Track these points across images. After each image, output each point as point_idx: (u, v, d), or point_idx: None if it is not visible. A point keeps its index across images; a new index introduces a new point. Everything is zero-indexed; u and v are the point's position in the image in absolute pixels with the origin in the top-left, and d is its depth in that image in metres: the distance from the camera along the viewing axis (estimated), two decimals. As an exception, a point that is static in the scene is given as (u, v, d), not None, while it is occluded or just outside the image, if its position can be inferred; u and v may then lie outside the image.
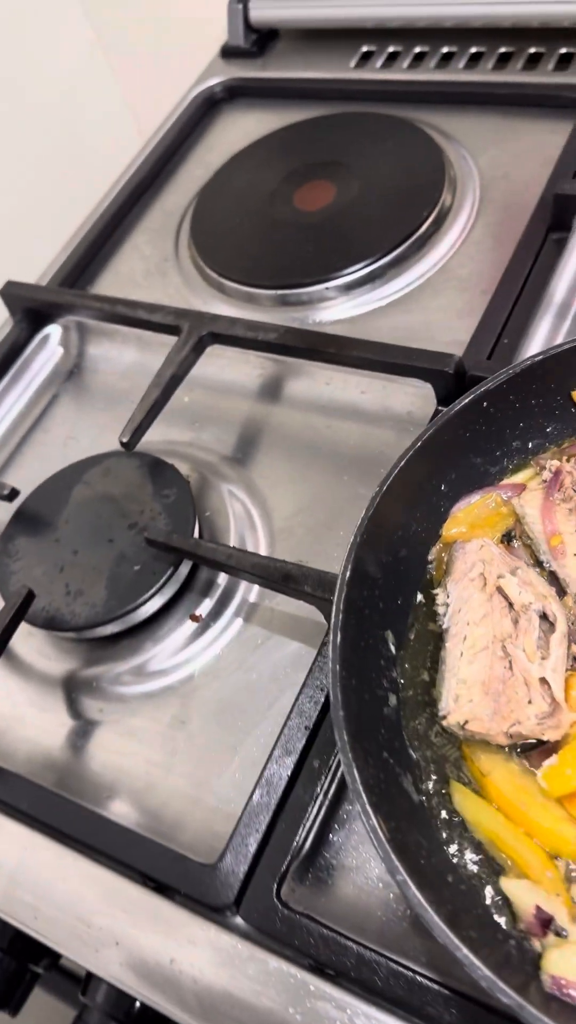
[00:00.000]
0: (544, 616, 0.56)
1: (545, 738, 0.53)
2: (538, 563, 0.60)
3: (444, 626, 0.58)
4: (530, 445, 0.64)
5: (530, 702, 0.53)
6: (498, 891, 0.50)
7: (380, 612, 0.57)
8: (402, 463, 0.57)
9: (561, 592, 0.58)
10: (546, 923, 0.47)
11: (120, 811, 0.66)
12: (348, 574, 0.53)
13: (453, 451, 0.61)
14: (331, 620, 0.52)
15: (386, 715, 0.55)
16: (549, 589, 0.57)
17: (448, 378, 0.73)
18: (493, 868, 0.51)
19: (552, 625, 0.55)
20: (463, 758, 0.54)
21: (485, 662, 0.55)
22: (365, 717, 0.52)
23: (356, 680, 0.52)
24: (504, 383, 0.60)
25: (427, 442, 0.58)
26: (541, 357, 0.60)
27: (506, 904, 0.49)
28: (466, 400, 0.59)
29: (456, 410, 0.59)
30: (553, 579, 0.59)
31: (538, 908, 0.47)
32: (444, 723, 0.54)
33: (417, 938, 0.54)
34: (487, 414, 0.61)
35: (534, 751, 0.53)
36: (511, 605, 0.57)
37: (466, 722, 0.53)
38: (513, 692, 0.53)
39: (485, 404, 0.60)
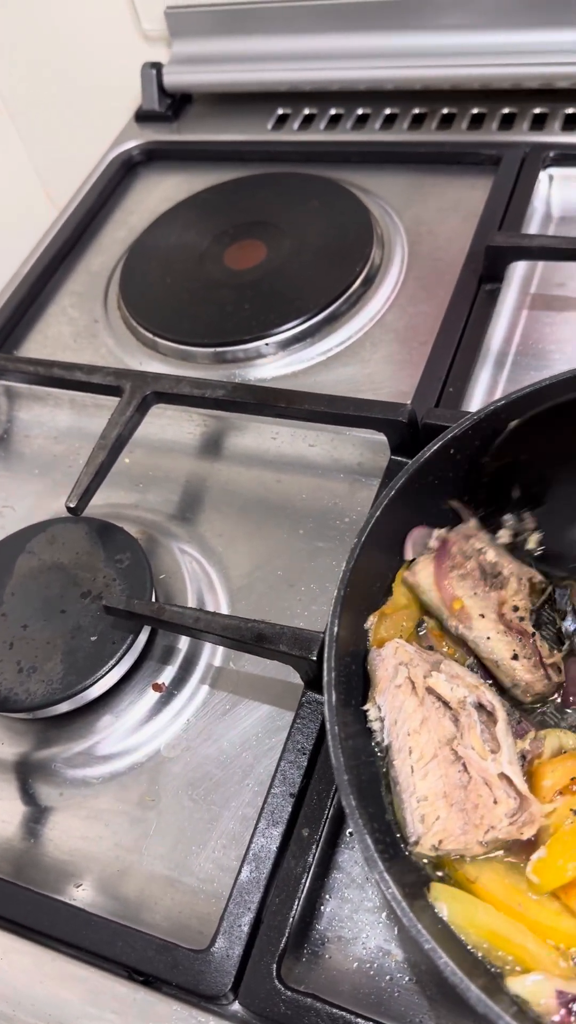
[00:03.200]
0: (481, 706, 0.54)
1: (523, 837, 0.51)
2: (448, 633, 0.60)
3: (384, 743, 0.55)
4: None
5: (496, 802, 0.50)
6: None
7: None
8: (379, 512, 0.56)
9: (480, 667, 0.58)
10: (572, 1001, 0.45)
11: (94, 901, 0.61)
12: (336, 629, 0.52)
13: (424, 498, 0.60)
14: (323, 678, 0.50)
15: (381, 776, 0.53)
16: (477, 678, 0.57)
17: (401, 427, 0.73)
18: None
19: (491, 715, 0.54)
20: (448, 873, 0.51)
21: (439, 772, 0.52)
22: (365, 780, 0.50)
23: (352, 741, 0.50)
24: (469, 429, 0.60)
25: (401, 490, 0.57)
26: (503, 402, 0.60)
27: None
28: (435, 447, 0.59)
29: (426, 457, 0.59)
30: (461, 644, 0.59)
31: (559, 993, 0.45)
32: (416, 849, 0.50)
33: (435, 1007, 0.52)
34: (454, 460, 0.61)
35: (513, 845, 0.51)
36: (446, 704, 0.54)
37: (440, 842, 0.50)
38: (477, 796, 0.51)
39: (452, 451, 0.60)
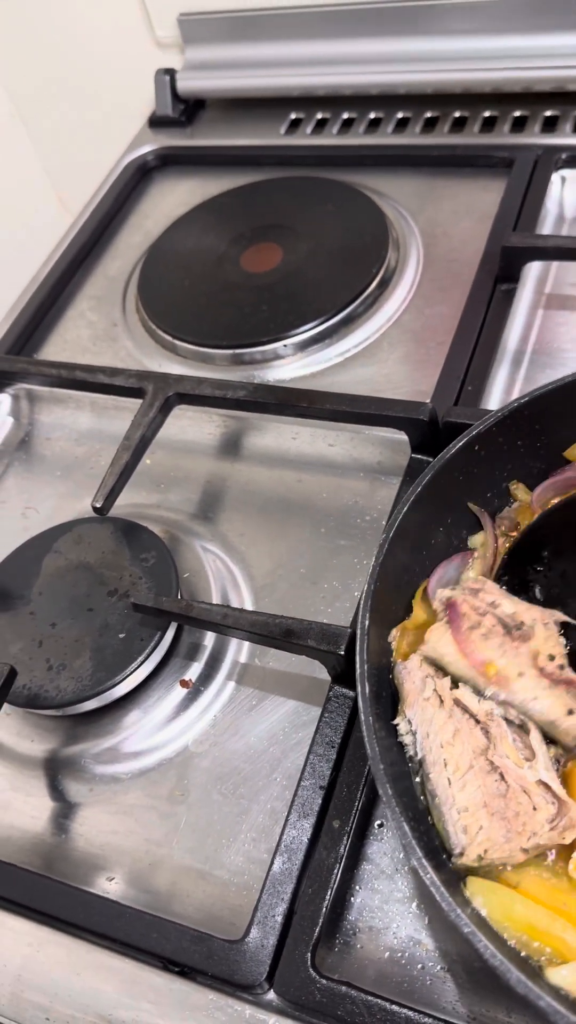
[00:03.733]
0: (509, 720, 0.54)
1: (566, 841, 0.50)
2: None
3: (417, 756, 0.54)
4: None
5: (536, 809, 0.50)
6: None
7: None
8: (406, 507, 0.57)
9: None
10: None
11: (126, 894, 0.62)
12: (367, 623, 0.53)
13: (450, 494, 0.61)
14: (356, 669, 0.51)
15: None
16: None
17: (423, 425, 0.74)
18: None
19: (519, 726, 0.53)
20: (486, 874, 0.51)
21: (477, 782, 0.51)
22: (398, 773, 0.51)
23: (385, 733, 0.51)
24: (493, 426, 0.61)
25: (428, 485, 0.58)
26: (526, 399, 0.61)
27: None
28: (460, 443, 0.60)
29: (451, 454, 0.60)
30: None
31: None
32: (461, 861, 0.50)
33: (466, 995, 0.53)
34: (478, 457, 0.62)
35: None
36: (473, 716, 0.54)
37: (485, 852, 0.49)
38: (517, 804, 0.50)
39: (476, 447, 0.61)
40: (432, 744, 0.53)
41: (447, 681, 0.55)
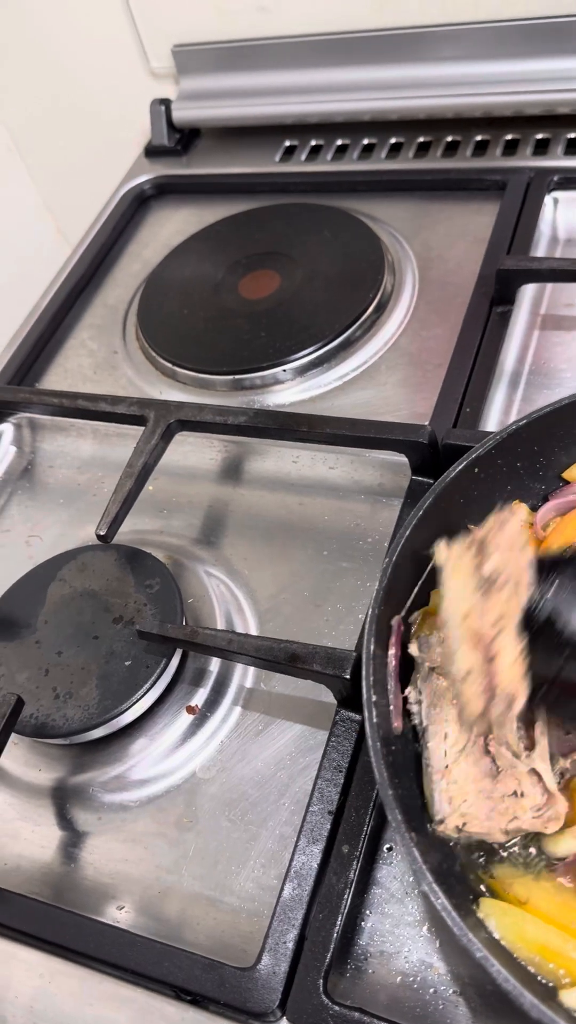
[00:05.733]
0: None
1: (547, 831, 0.52)
2: None
3: (422, 724, 0.56)
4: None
5: (523, 795, 0.51)
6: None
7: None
8: (408, 530, 0.58)
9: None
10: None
11: (136, 923, 0.62)
12: (372, 647, 0.53)
13: (450, 516, 0.62)
14: (363, 696, 0.52)
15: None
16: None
17: (422, 448, 0.74)
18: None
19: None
20: (495, 892, 0.52)
21: (471, 758, 0.53)
22: (407, 797, 0.51)
23: (394, 758, 0.51)
24: (493, 448, 0.62)
25: (429, 508, 0.59)
26: (525, 421, 0.62)
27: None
28: (460, 466, 0.61)
29: (451, 477, 0.60)
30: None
31: None
32: (440, 828, 0.51)
33: (479, 1019, 0.53)
34: (478, 479, 0.62)
35: (559, 864, 0.52)
36: None
37: (464, 824, 0.51)
38: (505, 787, 0.52)
39: (476, 470, 0.62)
40: (437, 716, 0.55)
41: None
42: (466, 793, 0.52)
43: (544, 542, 0.63)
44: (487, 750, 0.53)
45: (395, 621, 0.58)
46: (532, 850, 0.54)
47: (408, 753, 0.56)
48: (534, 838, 0.53)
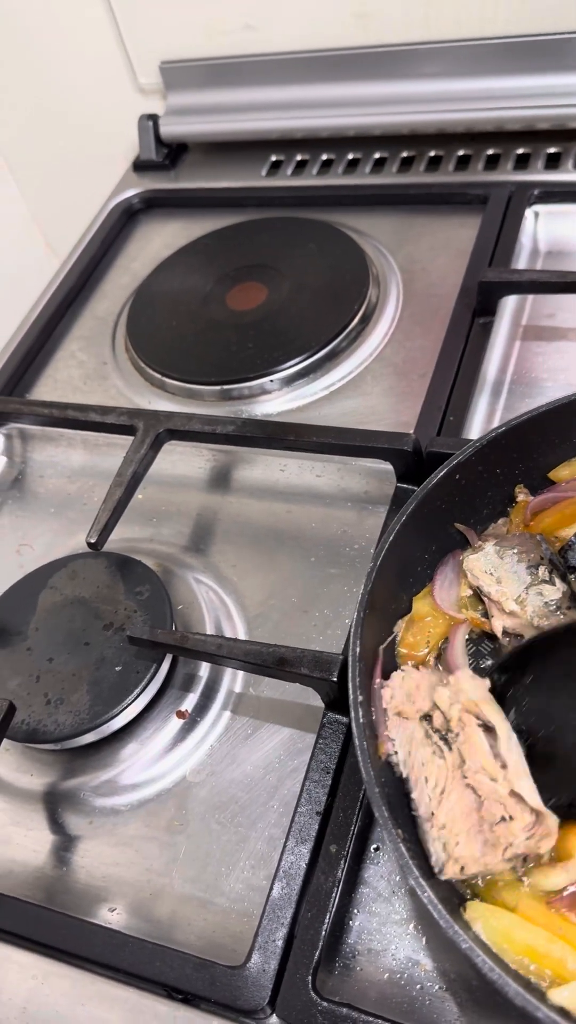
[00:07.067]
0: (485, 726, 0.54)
1: (542, 851, 0.51)
2: None
3: (404, 776, 0.55)
4: (495, 511, 0.68)
5: (512, 818, 0.51)
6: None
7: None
8: (392, 536, 0.59)
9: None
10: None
11: (128, 924, 0.63)
12: (358, 649, 0.54)
13: (432, 522, 0.63)
14: (349, 696, 0.53)
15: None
16: (483, 693, 0.55)
17: (407, 456, 0.76)
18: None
19: (492, 730, 0.54)
20: (483, 899, 0.52)
21: (454, 798, 0.52)
22: (393, 795, 0.52)
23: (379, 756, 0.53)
24: (473, 455, 0.63)
25: (411, 515, 0.60)
26: (503, 429, 0.64)
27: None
28: (441, 473, 0.62)
29: (433, 483, 0.62)
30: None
31: None
32: (443, 877, 0.51)
33: (466, 1013, 0.54)
34: (459, 486, 0.64)
35: (554, 899, 0.52)
36: (449, 727, 0.55)
37: (462, 868, 0.51)
38: (492, 816, 0.51)
39: (457, 476, 0.63)
40: (414, 762, 0.55)
41: (428, 691, 0.56)
42: (457, 835, 0.51)
43: (530, 527, 0.65)
44: (467, 784, 0.53)
45: (379, 649, 0.59)
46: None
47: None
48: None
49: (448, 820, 0.52)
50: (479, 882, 0.53)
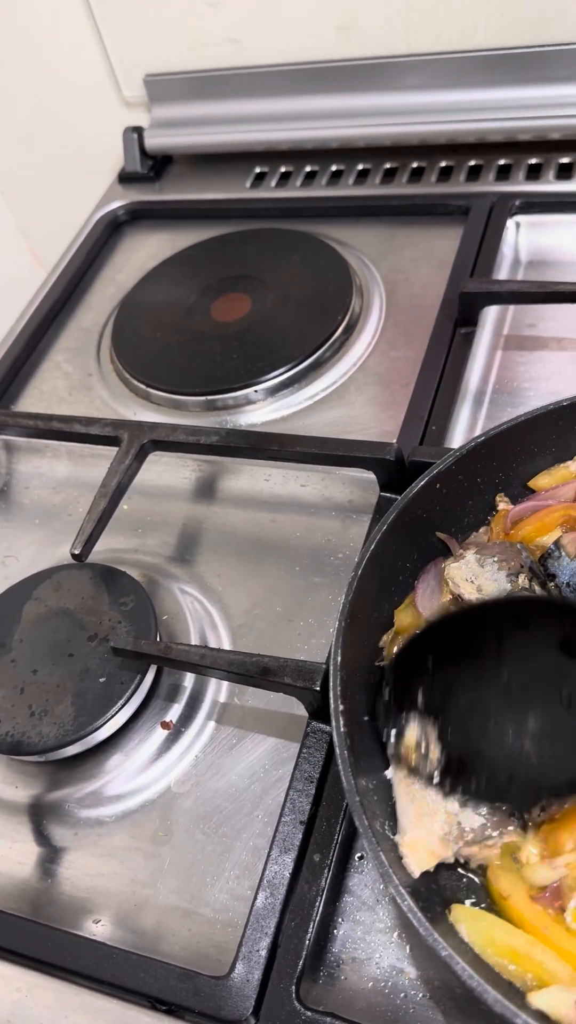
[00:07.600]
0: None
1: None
2: None
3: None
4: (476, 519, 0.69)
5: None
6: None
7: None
8: (373, 545, 0.59)
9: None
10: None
11: (113, 935, 0.63)
12: (339, 658, 0.55)
13: (414, 531, 0.64)
14: (330, 705, 0.53)
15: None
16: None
17: (389, 465, 0.76)
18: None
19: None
20: (482, 884, 0.54)
21: (407, 801, 0.55)
22: (373, 804, 0.52)
23: (362, 762, 0.53)
24: (453, 464, 0.64)
25: (392, 524, 0.61)
26: (483, 438, 0.64)
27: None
28: (422, 482, 0.62)
29: (414, 492, 0.62)
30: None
31: None
32: (416, 877, 0.53)
33: (450, 1021, 0.54)
34: (440, 494, 0.64)
35: (541, 896, 0.53)
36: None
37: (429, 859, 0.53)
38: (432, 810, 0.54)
39: (438, 485, 0.64)
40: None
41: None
42: (416, 839, 0.53)
43: (511, 536, 0.66)
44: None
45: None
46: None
47: (376, 762, 0.57)
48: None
49: (407, 826, 0.54)
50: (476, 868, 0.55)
